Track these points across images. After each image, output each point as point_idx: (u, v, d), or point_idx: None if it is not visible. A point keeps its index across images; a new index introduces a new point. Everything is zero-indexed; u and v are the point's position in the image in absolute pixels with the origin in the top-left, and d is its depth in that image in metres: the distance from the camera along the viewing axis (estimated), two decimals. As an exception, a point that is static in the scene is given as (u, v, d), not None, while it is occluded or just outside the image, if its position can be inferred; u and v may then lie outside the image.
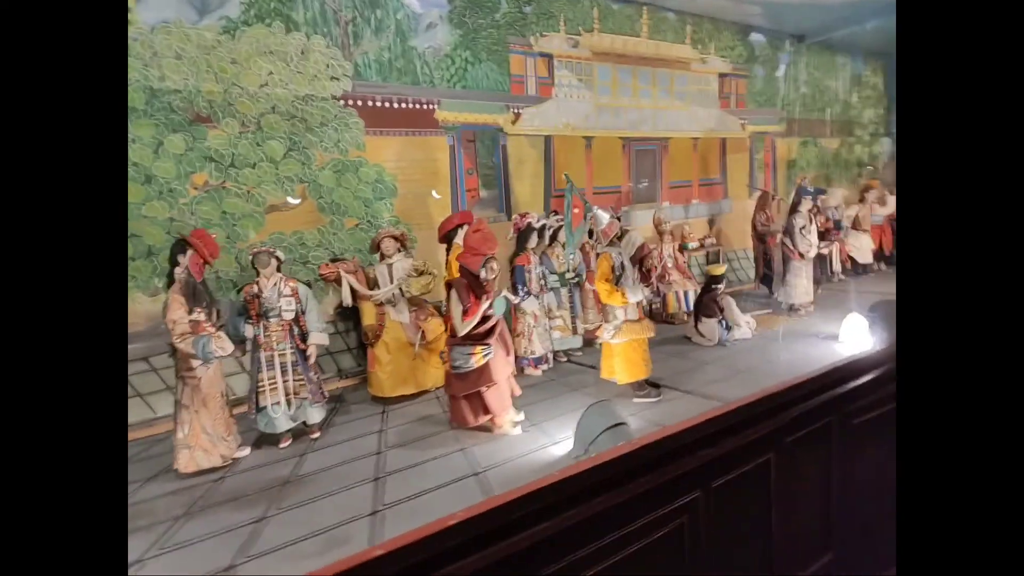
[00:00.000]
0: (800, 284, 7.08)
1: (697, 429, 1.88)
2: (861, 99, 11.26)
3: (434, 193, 6.07)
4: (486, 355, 3.64)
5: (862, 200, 9.75)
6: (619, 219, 4.55)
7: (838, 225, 9.08)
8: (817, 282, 8.30)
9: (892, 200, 9.77)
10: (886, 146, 11.93)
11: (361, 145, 5.43)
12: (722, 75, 8.66)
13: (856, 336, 5.45)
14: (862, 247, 9.53)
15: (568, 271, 5.66)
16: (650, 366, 4.43)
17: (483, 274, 3.68)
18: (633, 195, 7.91)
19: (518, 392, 4.09)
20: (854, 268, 9.57)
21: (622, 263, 4.25)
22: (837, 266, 8.43)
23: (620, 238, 6.89)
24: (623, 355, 4.28)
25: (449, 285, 3.77)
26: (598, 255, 4.37)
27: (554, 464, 3.44)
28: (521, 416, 4.05)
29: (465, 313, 3.61)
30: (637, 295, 4.14)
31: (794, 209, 7.16)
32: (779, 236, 7.36)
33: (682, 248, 7.74)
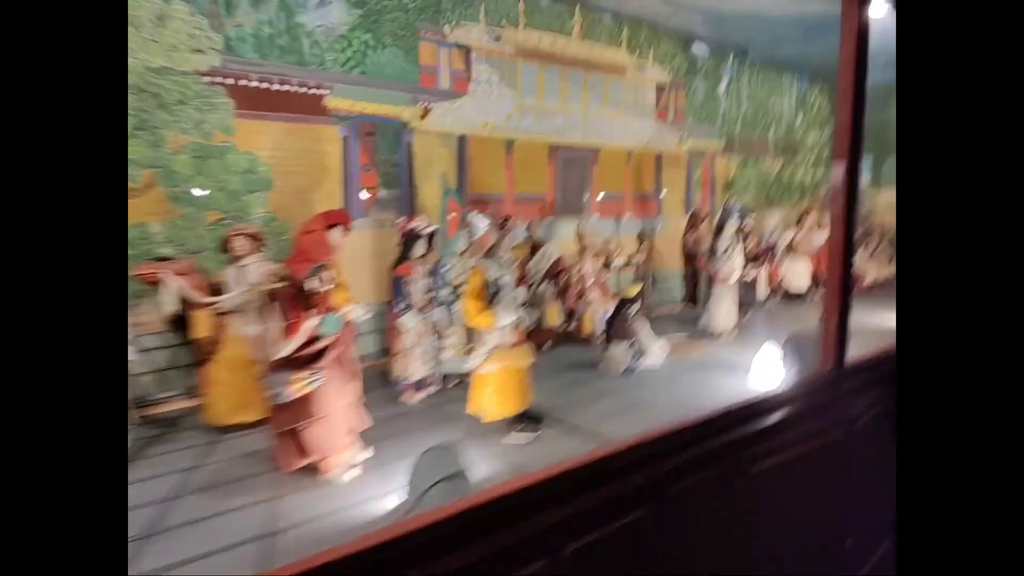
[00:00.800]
0: (722, 309, 6.68)
1: (551, 484, 1.51)
2: (806, 121, 11.10)
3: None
4: (309, 383, 3.01)
5: (799, 224, 9.51)
6: (502, 227, 4.00)
7: (773, 249, 8.80)
8: (749, 306, 7.97)
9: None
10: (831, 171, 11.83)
11: (229, 129, 4.74)
12: (660, 85, 8.27)
13: (768, 370, 5.03)
14: (798, 272, 9.27)
15: (466, 284, 5.08)
16: (528, 398, 3.87)
17: (310, 285, 3.05)
18: (559, 205, 7.40)
19: (366, 424, 3.46)
20: (788, 294, 9.31)
21: (498, 279, 3.68)
22: (762, 292, 8.09)
23: (534, 250, 6.41)
24: (495, 386, 3.71)
25: (272, 296, 3.13)
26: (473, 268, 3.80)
27: (379, 521, 2.84)
28: (365, 455, 3.43)
29: (286, 331, 2.98)
30: (509, 317, 3.57)
31: (719, 230, 6.78)
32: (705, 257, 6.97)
33: (607, 265, 7.28)
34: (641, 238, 7.76)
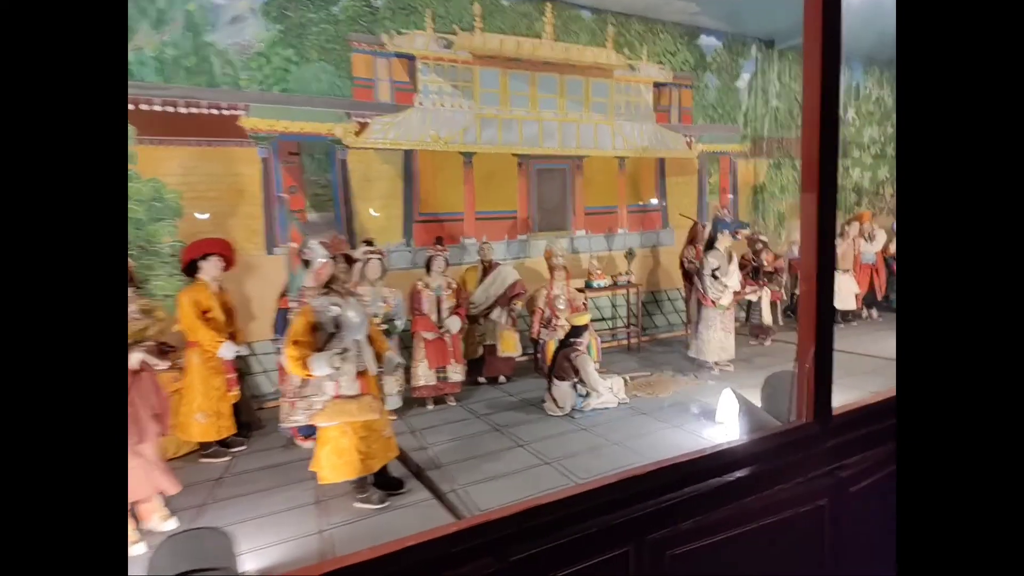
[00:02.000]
0: (714, 338, 5.68)
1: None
2: (860, 115, 9.65)
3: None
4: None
5: (843, 234, 8.14)
6: (350, 259, 3.44)
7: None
8: (765, 333, 6.86)
9: (882, 235, 8.13)
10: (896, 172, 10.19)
11: (131, 157, 4.56)
12: (659, 84, 7.38)
13: (729, 419, 4.09)
14: (842, 291, 7.91)
15: (378, 316, 4.57)
16: (378, 460, 3.25)
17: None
18: (535, 222, 6.73)
19: (170, 490, 3.02)
20: (838, 314, 7.97)
21: (337, 319, 3.12)
22: (767, 316, 6.89)
23: (487, 271, 5.77)
24: (332, 443, 3.14)
25: None
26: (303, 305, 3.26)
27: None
28: (165, 524, 2.99)
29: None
30: (322, 368, 2.98)
31: (710, 245, 5.80)
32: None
33: (587, 286, 6.50)
34: (631, 254, 6.86)
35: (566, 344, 4.87)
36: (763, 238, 6.85)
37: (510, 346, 5.67)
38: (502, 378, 5.68)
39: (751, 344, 6.88)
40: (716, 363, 5.72)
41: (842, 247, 8.00)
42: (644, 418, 4.54)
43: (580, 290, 6.33)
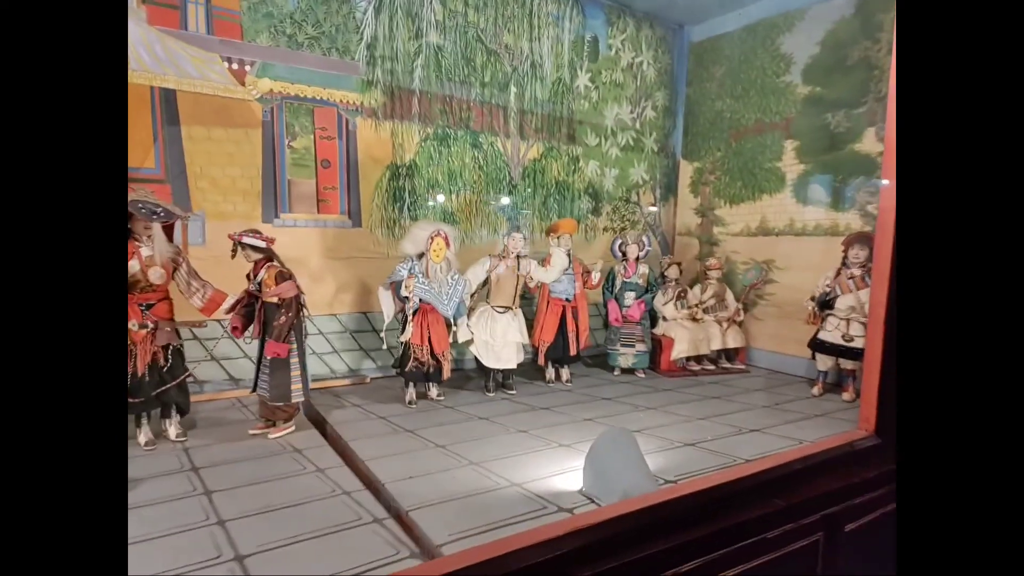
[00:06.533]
0: None
1: None
2: (601, 86, 6.88)
3: None
4: None
5: (503, 254, 5.28)
6: None
7: (399, 295, 4.58)
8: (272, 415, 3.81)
9: (561, 258, 5.33)
10: (658, 173, 7.54)
11: None
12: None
13: None
14: (496, 340, 5.08)
15: None
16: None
17: None
18: None
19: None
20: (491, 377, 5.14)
21: None
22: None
23: None
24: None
25: None
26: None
27: None
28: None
29: None
30: None
31: None
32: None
33: None
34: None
35: None
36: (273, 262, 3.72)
37: None
38: None
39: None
40: None
41: (499, 271, 5.16)
42: None
43: None
